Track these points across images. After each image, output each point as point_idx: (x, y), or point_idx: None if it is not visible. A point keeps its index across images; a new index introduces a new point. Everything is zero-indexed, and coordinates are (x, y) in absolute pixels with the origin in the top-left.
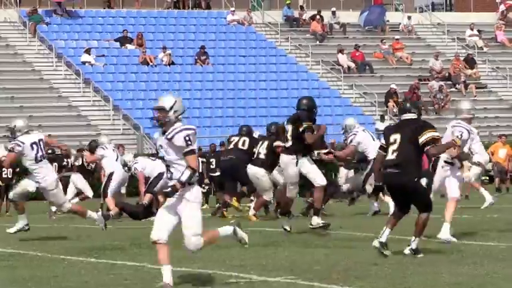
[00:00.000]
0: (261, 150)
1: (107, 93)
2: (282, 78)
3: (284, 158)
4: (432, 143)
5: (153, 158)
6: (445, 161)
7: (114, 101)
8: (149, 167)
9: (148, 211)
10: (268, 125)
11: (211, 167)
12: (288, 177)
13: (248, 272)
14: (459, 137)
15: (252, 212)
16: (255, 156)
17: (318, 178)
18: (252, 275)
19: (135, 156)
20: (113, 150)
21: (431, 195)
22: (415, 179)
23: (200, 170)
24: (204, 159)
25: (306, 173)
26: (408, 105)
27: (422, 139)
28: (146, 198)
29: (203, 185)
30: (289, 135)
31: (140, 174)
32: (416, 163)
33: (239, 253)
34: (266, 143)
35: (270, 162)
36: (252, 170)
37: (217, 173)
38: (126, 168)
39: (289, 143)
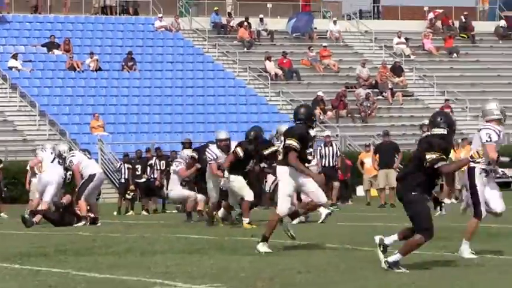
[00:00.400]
0: None
1: (33, 99)
2: (209, 85)
3: (278, 169)
4: (438, 162)
5: (89, 156)
6: (483, 168)
7: (40, 107)
8: (84, 163)
9: (65, 214)
10: (248, 131)
11: (137, 173)
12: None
13: (173, 279)
14: (488, 140)
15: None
16: None
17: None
18: (177, 282)
19: (71, 149)
20: (51, 153)
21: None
22: (412, 193)
23: (126, 176)
24: (130, 166)
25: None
26: (439, 119)
27: (426, 160)
28: (65, 199)
29: (128, 192)
30: (282, 146)
31: (75, 167)
32: (416, 176)
33: (164, 260)
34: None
35: (233, 167)
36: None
37: (143, 179)
38: (61, 159)
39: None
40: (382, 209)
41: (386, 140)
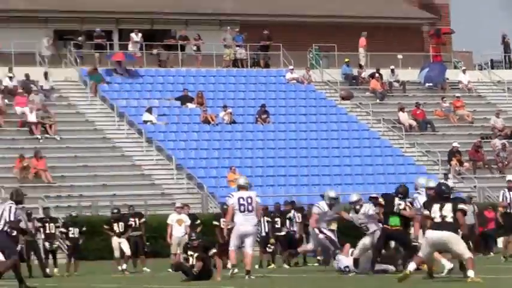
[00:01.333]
0: (446, 213)
1: (169, 152)
2: (344, 137)
3: None
4: None
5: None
6: None
7: (177, 160)
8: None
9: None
10: (398, 186)
11: (277, 226)
12: None
13: None
14: None
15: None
16: (441, 220)
17: None
18: None
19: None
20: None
21: None
22: None
23: (266, 230)
24: (269, 219)
25: None
26: None
27: None
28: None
29: (269, 245)
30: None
31: (230, 207)
32: None
33: None
34: (450, 205)
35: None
36: (445, 234)
37: (283, 232)
38: None
39: None
40: None
41: None
